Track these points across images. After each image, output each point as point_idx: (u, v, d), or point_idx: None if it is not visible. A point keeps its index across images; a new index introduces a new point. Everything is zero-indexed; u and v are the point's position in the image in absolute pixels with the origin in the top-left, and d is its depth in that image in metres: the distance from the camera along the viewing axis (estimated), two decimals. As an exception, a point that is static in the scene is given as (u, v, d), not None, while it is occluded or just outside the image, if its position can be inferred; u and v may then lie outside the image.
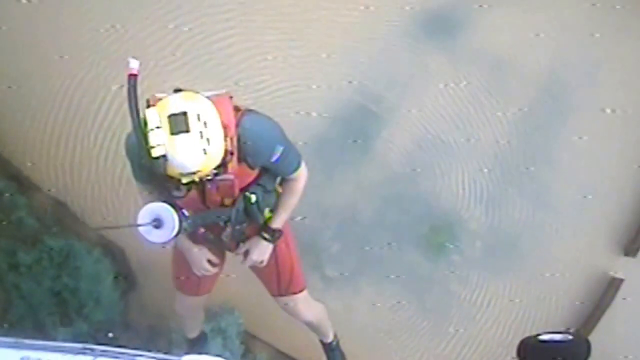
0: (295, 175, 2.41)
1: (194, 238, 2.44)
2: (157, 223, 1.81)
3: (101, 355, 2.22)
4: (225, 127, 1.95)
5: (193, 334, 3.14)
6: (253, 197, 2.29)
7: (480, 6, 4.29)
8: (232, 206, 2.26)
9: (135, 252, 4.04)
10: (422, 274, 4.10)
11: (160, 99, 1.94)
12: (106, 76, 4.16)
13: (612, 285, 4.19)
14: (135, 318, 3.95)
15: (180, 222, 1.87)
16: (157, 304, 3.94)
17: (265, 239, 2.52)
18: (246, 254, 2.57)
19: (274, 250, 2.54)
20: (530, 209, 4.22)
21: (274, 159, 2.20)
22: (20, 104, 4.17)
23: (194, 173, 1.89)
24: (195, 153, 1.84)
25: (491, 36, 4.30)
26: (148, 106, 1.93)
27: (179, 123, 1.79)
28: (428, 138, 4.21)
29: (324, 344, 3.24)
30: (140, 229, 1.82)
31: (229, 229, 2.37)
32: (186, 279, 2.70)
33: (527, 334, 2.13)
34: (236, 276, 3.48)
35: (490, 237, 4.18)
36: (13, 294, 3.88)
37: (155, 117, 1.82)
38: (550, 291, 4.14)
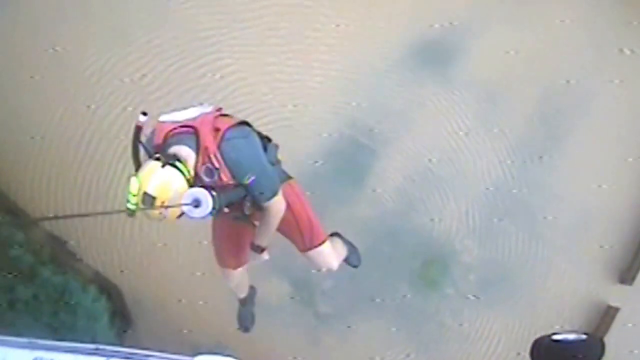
0: (266, 204, 2.62)
1: (225, 219, 2.78)
2: (196, 203, 2.23)
3: (112, 356, 2.26)
4: (205, 149, 2.40)
5: (243, 293, 3.44)
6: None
7: (475, 36, 4.28)
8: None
9: (131, 290, 4.11)
10: (416, 308, 4.10)
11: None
12: (101, 116, 4.22)
13: (608, 314, 4.18)
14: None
15: (214, 200, 2.26)
16: (152, 342, 3.96)
17: (254, 250, 2.90)
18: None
19: (292, 210, 2.82)
20: (524, 240, 4.21)
21: (245, 182, 2.49)
22: (18, 140, 4.21)
23: None
24: (154, 216, 2.31)
25: (483, 65, 4.28)
26: (144, 113, 2.41)
27: (147, 202, 2.23)
28: (420, 171, 4.20)
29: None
30: (184, 208, 2.22)
31: (247, 203, 2.65)
32: (225, 256, 3.04)
33: (522, 367, 2.14)
34: (231, 318, 3.52)
35: (484, 269, 4.17)
36: (10, 331, 3.92)
37: (135, 186, 2.25)
38: (546, 322, 4.12)
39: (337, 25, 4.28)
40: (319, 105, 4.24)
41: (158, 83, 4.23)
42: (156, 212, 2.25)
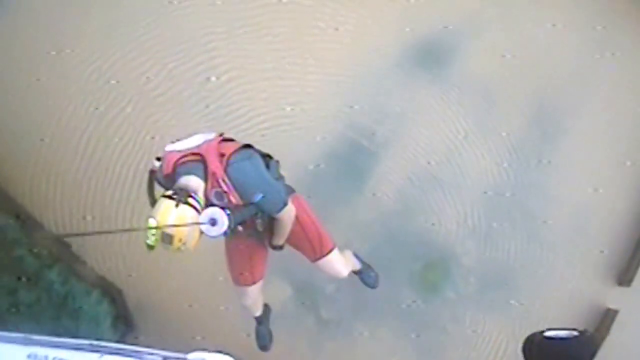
0: (279, 215, 2.78)
1: (240, 236, 2.90)
2: (213, 222, 2.36)
3: (106, 352, 2.27)
4: (212, 174, 2.54)
5: (258, 312, 3.56)
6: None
7: (472, 39, 4.33)
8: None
9: (134, 293, 4.13)
10: (417, 312, 4.11)
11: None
12: (105, 119, 4.25)
13: (608, 316, 4.20)
14: (134, 355, 4.00)
15: (229, 219, 2.40)
16: (156, 345, 3.98)
17: (274, 248, 3.09)
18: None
19: (300, 222, 2.98)
20: (523, 243, 4.23)
21: (255, 201, 2.64)
22: (25, 145, 4.25)
23: None
24: (174, 250, 2.43)
25: (480, 67, 4.33)
26: (158, 159, 2.64)
27: (166, 239, 2.38)
28: (420, 173, 4.23)
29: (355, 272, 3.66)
30: (202, 227, 2.36)
31: (259, 220, 2.83)
32: (241, 274, 3.15)
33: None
34: (233, 323, 3.54)
35: (484, 272, 4.19)
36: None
37: (153, 223, 2.37)
38: (545, 324, 4.08)
39: (336, 29, 4.34)
40: (318, 107, 4.27)
41: (158, 85, 4.28)
42: (176, 246, 2.38)
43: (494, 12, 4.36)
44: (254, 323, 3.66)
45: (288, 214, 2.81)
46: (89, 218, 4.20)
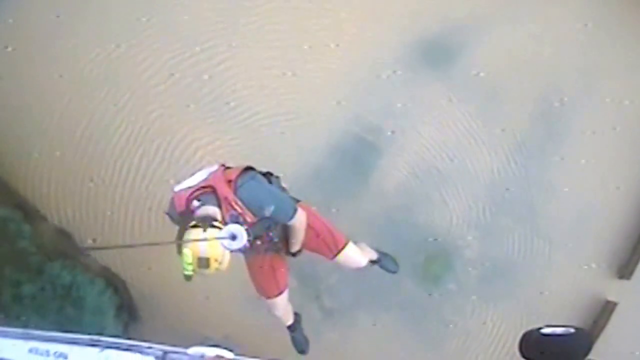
0: (292, 222, 2.93)
1: (259, 252, 3.08)
2: (233, 236, 2.50)
3: (109, 347, 2.25)
4: (225, 199, 2.68)
5: (290, 321, 3.70)
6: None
7: (477, 36, 4.32)
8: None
9: (138, 284, 4.13)
10: (419, 303, 4.15)
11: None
12: (116, 114, 4.24)
13: (607, 309, 4.26)
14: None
15: (248, 233, 2.55)
16: (159, 336, 3.99)
17: (293, 255, 3.24)
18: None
19: (311, 226, 3.12)
20: (525, 236, 4.27)
21: (267, 214, 2.79)
22: (29, 135, 4.24)
23: None
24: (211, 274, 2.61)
25: (487, 64, 4.33)
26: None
27: (202, 264, 2.53)
28: (424, 167, 4.25)
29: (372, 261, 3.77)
30: (224, 241, 2.50)
31: (273, 231, 3.03)
32: (266, 286, 3.30)
33: (523, 362, 2.13)
34: (237, 312, 3.56)
35: (485, 264, 4.23)
36: (15, 325, 3.95)
37: (188, 257, 2.52)
38: (545, 316, 4.16)
39: (341, 25, 4.32)
40: (324, 103, 4.27)
41: (159, 82, 4.25)
42: (213, 268, 2.54)
43: (500, 8, 4.35)
44: (257, 311, 3.70)
45: (300, 220, 2.95)
46: (91, 210, 4.20)
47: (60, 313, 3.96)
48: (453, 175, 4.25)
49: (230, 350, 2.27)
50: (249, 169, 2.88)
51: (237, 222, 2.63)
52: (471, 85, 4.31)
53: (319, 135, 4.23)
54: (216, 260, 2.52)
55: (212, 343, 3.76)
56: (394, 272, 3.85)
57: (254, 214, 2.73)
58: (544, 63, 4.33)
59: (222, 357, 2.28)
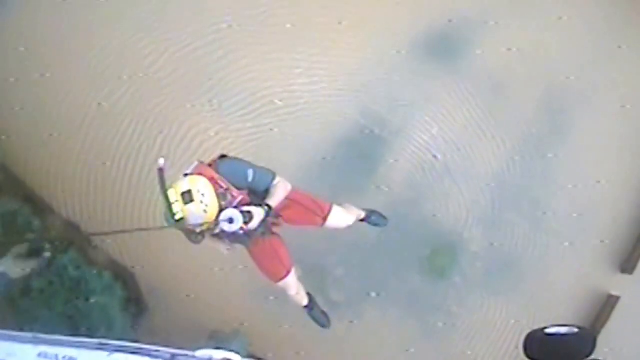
0: (274, 184, 3.10)
1: (257, 239, 3.22)
2: (230, 220, 2.77)
3: (117, 351, 2.30)
4: (211, 179, 2.87)
5: (305, 301, 3.79)
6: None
7: (483, 30, 4.36)
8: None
9: (146, 276, 4.16)
10: (425, 296, 4.18)
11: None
12: (123, 109, 4.28)
13: (609, 303, 4.30)
14: (145, 342, 4.03)
15: (244, 216, 2.81)
16: (167, 328, 4.03)
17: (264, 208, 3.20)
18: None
19: (293, 199, 3.24)
20: (529, 230, 4.30)
21: (250, 180, 3.00)
22: (37, 128, 4.27)
23: (202, 225, 2.81)
24: (200, 214, 2.76)
25: (493, 58, 4.37)
26: (161, 173, 2.82)
27: (186, 198, 2.73)
28: (430, 161, 4.28)
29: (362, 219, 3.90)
30: (222, 225, 2.77)
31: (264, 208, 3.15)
32: (274, 269, 3.40)
33: (527, 354, 2.17)
34: (245, 304, 3.58)
35: (490, 258, 4.26)
36: (24, 318, 3.93)
37: (173, 195, 2.74)
38: (549, 309, 4.22)
39: (349, 19, 4.36)
40: (330, 96, 4.31)
41: (165, 75, 4.29)
42: (198, 203, 2.70)
43: (506, 4, 4.40)
44: (267, 304, 3.77)
45: (282, 183, 3.12)
46: (99, 203, 4.23)
47: (68, 306, 3.98)
48: (459, 170, 4.28)
49: (237, 353, 2.30)
50: (224, 156, 3.09)
51: (226, 200, 2.85)
52: (477, 81, 4.35)
53: (326, 128, 4.26)
54: (199, 192, 2.72)
55: (220, 336, 3.83)
56: (383, 226, 3.92)
57: (238, 187, 2.91)
58: (549, 59, 4.38)
59: (229, 360, 2.32)
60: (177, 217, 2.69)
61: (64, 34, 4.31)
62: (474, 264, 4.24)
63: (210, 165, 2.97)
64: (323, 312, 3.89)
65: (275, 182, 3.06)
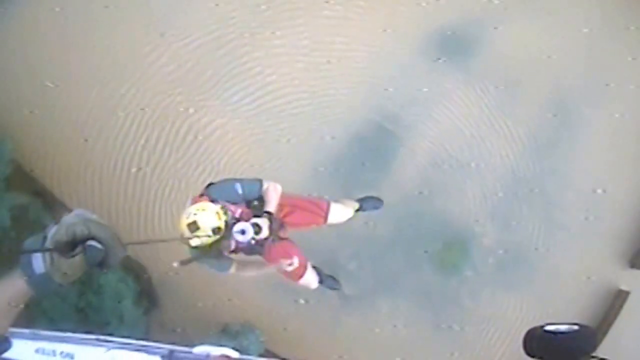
0: (264, 189, 3.25)
1: (268, 245, 3.32)
2: (242, 232, 3.01)
3: (115, 347, 2.32)
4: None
5: (315, 284, 3.84)
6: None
7: (495, 28, 4.38)
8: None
9: (157, 270, 4.17)
10: (437, 290, 4.20)
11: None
12: (137, 104, 4.29)
13: (619, 298, 4.32)
14: (156, 336, 4.02)
15: (253, 227, 3.04)
16: (178, 322, 4.04)
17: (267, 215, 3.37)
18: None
19: (289, 204, 3.39)
20: (540, 225, 4.32)
21: (240, 192, 3.18)
22: (46, 124, 4.28)
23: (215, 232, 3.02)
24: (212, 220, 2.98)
25: (505, 56, 4.39)
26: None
27: (192, 228, 2.94)
28: (443, 157, 4.30)
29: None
30: (236, 235, 2.99)
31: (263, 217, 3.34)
32: (293, 270, 3.43)
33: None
34: (256, 298, 3.58)
35: (502, 253, 4.28)
36: (35, 310, 3.92)
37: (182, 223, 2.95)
38: (559, 304, 4.26)
39: (366, 17, 4.38)
40: (345, 92, 4.32)
41: (180, 76, 4.31)
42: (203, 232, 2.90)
43: (518, 2, 4.41)
44: (276, 298, 3.79)
45: (272, 186, 3.24)
46: (113, 196, 4.24)
47: (80, 299, 3.97)
48: (471, 165, 4.29)
49: (237, 350, 2.33)
50: (210, 184, 3.25)
51: (229, 218, 3.04)
52: (490, 78, 4.37)
53: (340, 124, 4.28)
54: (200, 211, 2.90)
55: (232, 330, 3.83)
56: (379, 208, 3.96)
57: (233, 203, 3.11)
58: (561, 57, 4.39)
59: (227, 356, 2.33)
60: (192, 244, 2.95)
61: (69, 37, 4.32)
62: (486, 259, 4.25)
63: (202, 195, 3.15)
64: (333, 278, 4.00)
65: (264, 187, 3.21)
